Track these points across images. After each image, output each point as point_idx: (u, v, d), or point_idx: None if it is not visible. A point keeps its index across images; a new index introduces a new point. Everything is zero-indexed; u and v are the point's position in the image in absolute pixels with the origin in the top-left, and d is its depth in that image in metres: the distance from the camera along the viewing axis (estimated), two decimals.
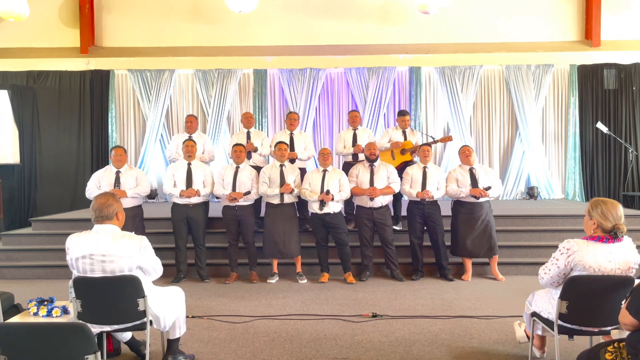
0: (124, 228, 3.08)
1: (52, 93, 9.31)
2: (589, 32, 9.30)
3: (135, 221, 5.41)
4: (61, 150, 9.31)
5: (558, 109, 9.43)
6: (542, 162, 9.30)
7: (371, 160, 5.64)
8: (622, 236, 2.80)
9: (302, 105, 9.26)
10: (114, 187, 5.38)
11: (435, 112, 9.41)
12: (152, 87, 9.35)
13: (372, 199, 5.54)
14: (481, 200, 5.53)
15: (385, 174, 5.64)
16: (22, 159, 9.08)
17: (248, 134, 6.54)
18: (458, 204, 5.69)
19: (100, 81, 9.38)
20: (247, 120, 6.59)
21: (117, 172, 5.51)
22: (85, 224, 6.36)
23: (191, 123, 6.49)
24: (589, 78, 9.29)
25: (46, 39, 9.44)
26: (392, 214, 6.05)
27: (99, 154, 9.39)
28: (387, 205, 5.69)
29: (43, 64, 9.34)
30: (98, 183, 5.48)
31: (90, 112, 9.38)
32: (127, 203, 5.33)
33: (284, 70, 9.35)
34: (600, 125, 8.88)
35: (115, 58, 9.42)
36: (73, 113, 9.36)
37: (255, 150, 6.31)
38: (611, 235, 2.76)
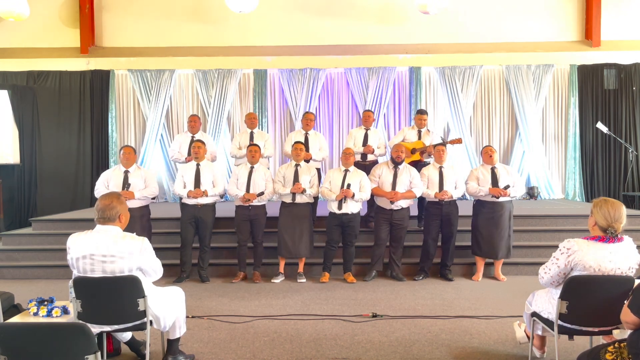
0: (131, 227, 3.09)
1: (52, 93, 9.31)
2: (589, 32, 9.30)
3: (142, 221, 5.42)
4: (61, 150, 9.30)
5: (558, 109, 9.42)
6: (542, 162, 9.29)
7: (396, 162, 5.61)
8: (621, 236, 2.80)
9: (302, 105, 9.26)
10: (123, 188, 5.34)
11: (435, 112, 9.40)
12: (152, 87, 9.35)
13: (392, 202, 5.53)
14: (502, 199, 5.51)
15: (408, 177, 5.60)
16: (22, 159, 9.08)
17: (251, 134, 6.54)
18: (479, 204, 5.68)
19: (100, 81, 9.38)
20: (251, 121, 6.60)
21: (126, 172, 5.47)
22: (85, 224, 6.36)
23: (194, 123, 6.48)
24: (589, 78, 9.29)
25: (46, 39, 9.44)
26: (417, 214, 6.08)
27: (99, 154, 9.39)
28: (407, 208, 5.67)
29: (43, 64, 9.33)
30: (106, 182, 5.46)
31: (90, 112, 9.38)
32: (135, 203, 5.33)
33: (284, 70, 9.35)
34: (600, 125, 8.87)
35: (115, 58, 9.42)
36: (73, 113, 9.35)
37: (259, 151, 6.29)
38: (606, 234, 2.76)
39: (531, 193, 9.20)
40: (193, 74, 9.42)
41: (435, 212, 5.65)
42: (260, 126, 9.32)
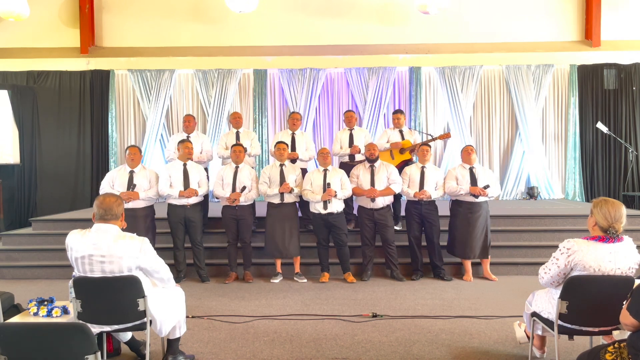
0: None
1: (52, 93, 9.31)
2: (589, 32, 9.30)
3: (146, 221, 5.43)
4: (61, 150, 9.31)
5: (558, 109, 9.43)
6: (542, 162, 9.30)
7: (371, 160, 5.65)
8: (621, 236, 2.79)
9: (302, 105, 9.26)
10: (128, 189, 5.33)
11: (435, 112, 9.41)
12: (152, 87, 9.35)
13: (373, 200, 5.54)
14: (480, 199, 5.54)
15: (386, 174, 5.64)
16: (22, 159, 9.08)
17: (237, 134, 6.53)
18: (456, 204, 5.69)
19: (100, 81, 9.39)
20: (236, 121, 6.59)
21: (131, 172, 5.46)
22: (85, 224, 6.26)
23: (189, 122, 6.47)
24: (589, 78, 9.30)
25: (46, 39, 9.44)
26: (392, 213, 6.06)
27: (99, 154, 9.40)
28: (388, 206, 5.69)
29: (43, 64, 9.34)
30: (111, 182, 5.45)
31: (90, 112, 9.38)
32: (139, 203, 5.35)
33: (284, 70, 9.35)
34: (600, 125, 8.88)
35: (115, 58, 9.42)
36: (73, 113, 9.36)
37: (245, 150, 6.27)
38: (607, 234, 2.76)
39: (531, 193, 9.20)
40: (193, 74, 9.42)
41: (415, 212, 5.67)
42: (260, 126, 9.34)
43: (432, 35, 9.37)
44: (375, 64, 9.35)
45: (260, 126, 9.36)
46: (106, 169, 9.23)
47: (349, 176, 5.75)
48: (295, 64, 9.36)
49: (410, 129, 6.59)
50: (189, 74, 9.48)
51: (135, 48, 9.46)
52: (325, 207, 5.50)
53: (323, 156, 5.67)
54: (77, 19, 9.40)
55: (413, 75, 9.38)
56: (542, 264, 2.98)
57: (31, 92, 9.24)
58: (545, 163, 9.34)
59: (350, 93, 9.46)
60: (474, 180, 5.57)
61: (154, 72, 9.34)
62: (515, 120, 9.38)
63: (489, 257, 5.68)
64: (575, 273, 2.82)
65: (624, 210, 2.78)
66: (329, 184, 5.47)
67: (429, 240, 5.72)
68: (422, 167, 5.72)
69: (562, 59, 9.33)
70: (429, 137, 6.41)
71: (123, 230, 3.02)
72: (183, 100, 9.50)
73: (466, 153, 5.72)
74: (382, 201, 5.60)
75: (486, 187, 5.48)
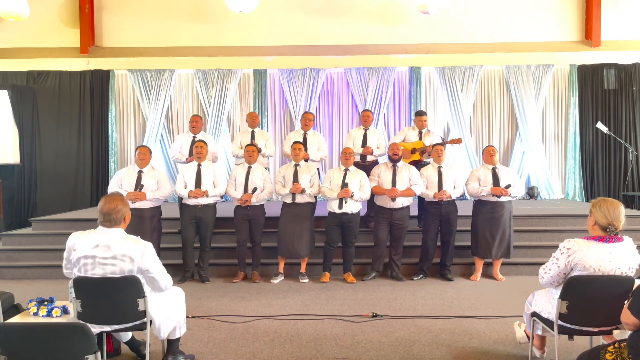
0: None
1: (52, 93, 9.31)
2: (589, 32, 9.30)
3: (152, 222, 5.43)
4: (61, 150, 9.31)
5: (558, 109, 9.43)
6: (542, 162, 9.30)
7: (394, 160, 5.63)
8: (621, 235, 2.80)
9: (302, 105, 9.26)
10: (135, 189, 5.32)
11: (435, 112, 9.41)
12: (152, 87, 9.35)
13: (393, 200, 5.53)
14: (502, 199, 5.52)
15: (407, 175, 5.61)
16: (22, 159, 9.08)
17: (252, 133, 6.54)
18: (479, 204, 5.68)
19: (100, 81, 9.38)
20: (252, 120, 6.61)
21: (140, 172, 5.45)
22: (85, 224, 6.35)
23: (196, 123, 6.47)
24: (589, 78, 9.29)
25: (46, 39, 9.43)
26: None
27: (99, 154, 9.39)
28: (407, 207, 5.67)
29: (43, 64, 9.34)
30: (120, 182, 5.44)
31: (90, 112, 9.38)
32: (146, 204, 5.35)
33: (284, 70, 9.35)
34: (600, 125, 8.88)
35: (115, 58, 9.42)
36: (73, 113, 9.36)
37: (259, 150, 6.29)
38: (606, 232, 2.76)
39: (531, 193, 9.20)
40: (193, 74, 9.42)
41: (434, 212, 5.65)
42: (260, 126, 9.31)
43: (432, 35, 9.37)
44: (375, 64, 9.35)
45: (260, 126, 9.31)
46: (106, 169, 9.26)
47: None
48: (295, 64, 9.36)
49: (429, 130, 6.55)
50: (189, 74, 9.48)
51: (135, 48, 9.45)
52: (340, 207, 5.48)
53: (346, 156, 5.66)
54: (77, 19, 9.40)
55: (413, 75, 9.38)
56: (542, 264, 2.99)
57: (31, 92, 9.23)
58: (545, 163, 9.34)
59: (350, 93, 9.45)
60: (496, 181, 5.55)
61: (154, 72, 9.34)
62: (515, 120, 9.38)
63: (510, 257, 5.67)
64: (575, 273, 2.82)
65: (622, 209, 2.79)
66: (346, 183, 5.46)
67: (444, 240, 5.71)
68: (439, 168, 5.71)
69: (562, 59, 9.33)
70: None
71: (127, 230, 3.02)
72: (183, 100, 9.50)
73: (488, 154, 5.71)
74: (402, 201, 5.58)
75: (507, 186, 5.46)
